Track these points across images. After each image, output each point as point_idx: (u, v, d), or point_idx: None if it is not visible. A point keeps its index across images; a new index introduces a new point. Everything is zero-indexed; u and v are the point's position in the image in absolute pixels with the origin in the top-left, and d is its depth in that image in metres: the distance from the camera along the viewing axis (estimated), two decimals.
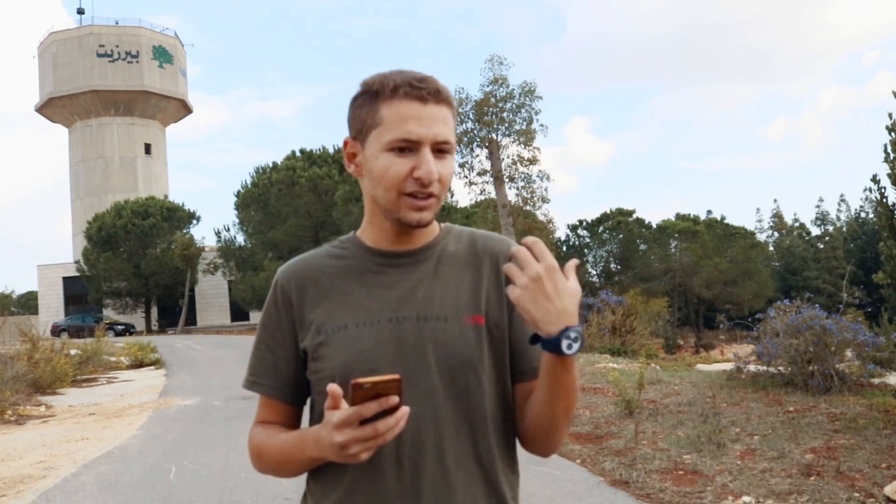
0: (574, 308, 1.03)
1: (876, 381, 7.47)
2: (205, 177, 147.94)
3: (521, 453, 1.24)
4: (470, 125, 23.65)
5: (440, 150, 1.12)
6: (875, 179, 6.18)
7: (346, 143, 1.21)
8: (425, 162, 1.10)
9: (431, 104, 1.11)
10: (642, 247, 42.42)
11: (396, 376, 0.96)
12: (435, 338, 1.14)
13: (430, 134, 1.10)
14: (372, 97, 1.13)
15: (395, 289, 1.18)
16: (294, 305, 1.21)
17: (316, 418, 1.21)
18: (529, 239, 1.04)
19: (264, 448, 1.20)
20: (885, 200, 6.17)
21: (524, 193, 24.18)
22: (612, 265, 43.55)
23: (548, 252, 1.03)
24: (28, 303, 60.95)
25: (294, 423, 1.25)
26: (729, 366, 9.13)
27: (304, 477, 1.24)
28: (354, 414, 0.95)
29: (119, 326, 37.20)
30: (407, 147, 1.10)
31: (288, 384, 1.22)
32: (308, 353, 1.19)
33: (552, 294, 1.01)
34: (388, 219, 1.17)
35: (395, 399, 0.95)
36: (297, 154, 35.55)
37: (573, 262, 1.06)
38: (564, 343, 1.01)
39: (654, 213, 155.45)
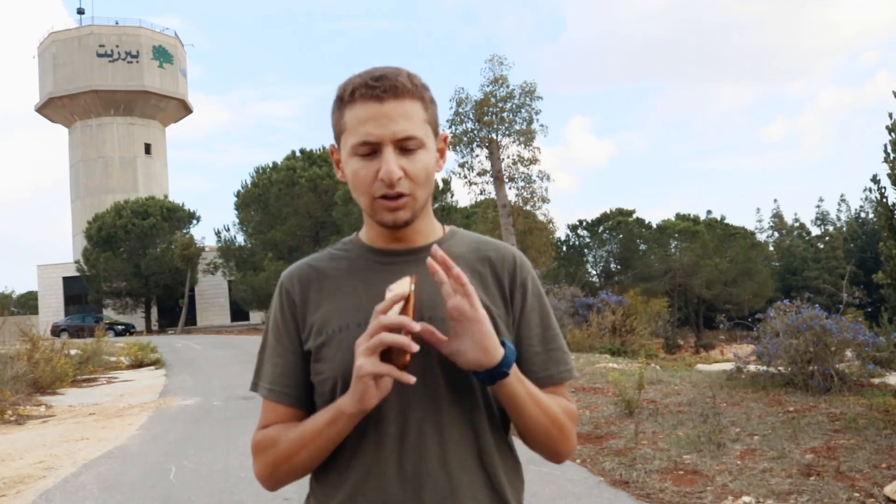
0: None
1: (876, 381, 7.47)
2: (205, 177, 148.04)
3: (521, 453, 1.24)
4: (470, 125, 23.61)
5: (405, 146, 1.11)
6: (875, 179, 6.18)
7: (332, 150, 1.22)
8: (385, 162, 1.09)
9: (390, 101, 1.09)
10: (642, 247, 42.41)
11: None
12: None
13: (389, 132, 1.09)
14: (339, 103, 1.15)
15: None
16: (298, 307, 1.20)
17: None
18: (436, 261, 1.05)
19: (282, 435, 1.15)
20: (885, 200, 6.17)
21: (524, 193, 24.13)
22: (612, 265, 43.54)
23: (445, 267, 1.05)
24: (28, 303, 60.95)
25: None
26: (729, 366, 9.12)
27: (306, 478, 1.24)
28: (377, 313, 1.03)
29: (119, 326, 37.23)
30: (370, 149, 1.10)
31: (297, 388, 1.20)
32: (311, 354, 1.18)
33: (483, 324, 1.06)
34: (373, 220, 1.17)
35: (405, 288, 1.04)
36: (297, 154, 35.57)
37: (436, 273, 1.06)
38: (510, 356, 1.08)
39: (654, 213, 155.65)
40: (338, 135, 1.17)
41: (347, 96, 1.12)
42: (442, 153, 1.20)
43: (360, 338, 1.03)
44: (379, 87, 1.09)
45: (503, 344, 1.08)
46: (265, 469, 1.18)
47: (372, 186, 1.11)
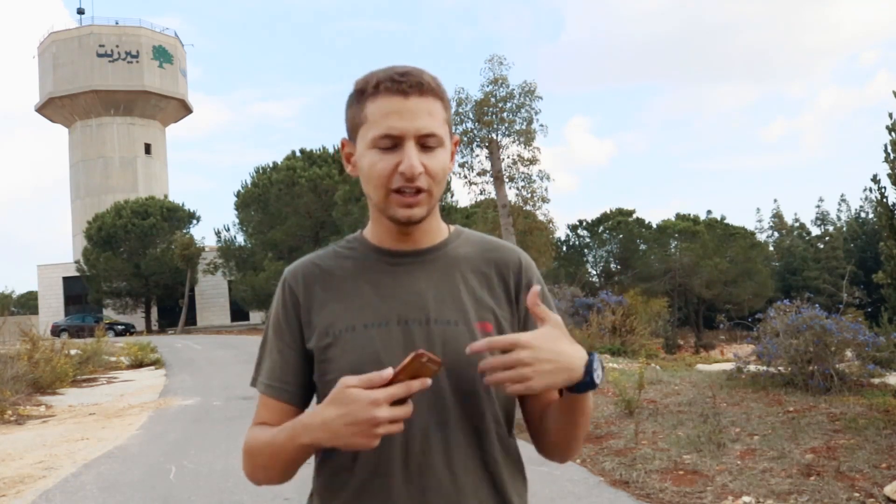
0: (571, 343, 1.05)
1: (876, 381, 7.47)
2: (205, 177, 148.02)
3: (522, 453, 1.24)
4: (470, 125, 23.57)
5: (426, 143, 1.10)
6: (875, 179, 6.18)
7: (343, 144, 1.21)
8: (407, 156, 1.08)
9: (414, 97, 1.09)
10: (642, 247, 42.38)
11: (439, 359, 0.99)
12: (444, 341, 1.13)
13: (413, 127, 1.09)
14: (359, 96, 1.14)
15: (404, 290, 1.17)
16: (301, 305, 1.20)
17: None
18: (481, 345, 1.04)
19: (257, 442, 1.16)
20: (885, 200, 6.17)
21: (524, 193, 24.09)
22: (612, 265, 43.51)
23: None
24: (28, 303, 60.93)
25: None
26: (729, 366, 9.13)
27: (309, 477, 1.24)
28: (402, 387, 0.97)
29: (119, 326, 37.21)
30: (391, 142, 1.10)
31: (294, 385, 1.20)
32: (315, 355, 1.18)
33: (552, 353, 1.03)
34: (384, 216, 1.16)
35: (429, 382, 0.99)
36: (297, 154, 35.56)
37: (535, 291, 1.07)
38: (595, 377, 1.06)
39: (654, 213, 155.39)
40: (354, 128, 1.16)
41: (371, 89, 1.11)
42: (452, 155, 1.20)
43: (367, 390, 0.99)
44: (405, 81, 1.09)
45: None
46: (246, 470, 1.23)
47: (389, 179, 1.10)
